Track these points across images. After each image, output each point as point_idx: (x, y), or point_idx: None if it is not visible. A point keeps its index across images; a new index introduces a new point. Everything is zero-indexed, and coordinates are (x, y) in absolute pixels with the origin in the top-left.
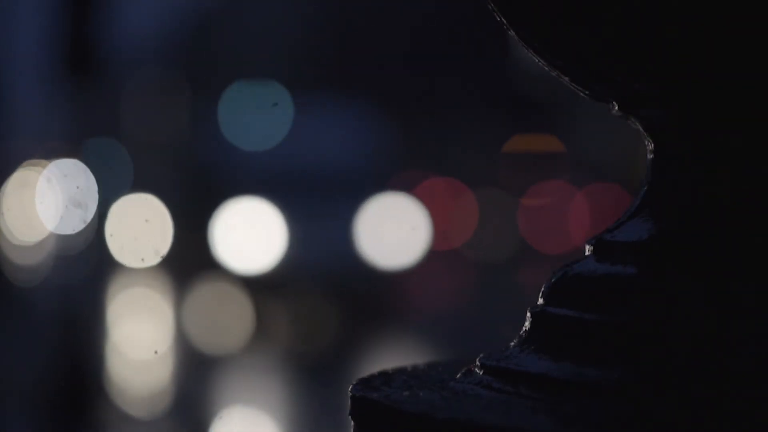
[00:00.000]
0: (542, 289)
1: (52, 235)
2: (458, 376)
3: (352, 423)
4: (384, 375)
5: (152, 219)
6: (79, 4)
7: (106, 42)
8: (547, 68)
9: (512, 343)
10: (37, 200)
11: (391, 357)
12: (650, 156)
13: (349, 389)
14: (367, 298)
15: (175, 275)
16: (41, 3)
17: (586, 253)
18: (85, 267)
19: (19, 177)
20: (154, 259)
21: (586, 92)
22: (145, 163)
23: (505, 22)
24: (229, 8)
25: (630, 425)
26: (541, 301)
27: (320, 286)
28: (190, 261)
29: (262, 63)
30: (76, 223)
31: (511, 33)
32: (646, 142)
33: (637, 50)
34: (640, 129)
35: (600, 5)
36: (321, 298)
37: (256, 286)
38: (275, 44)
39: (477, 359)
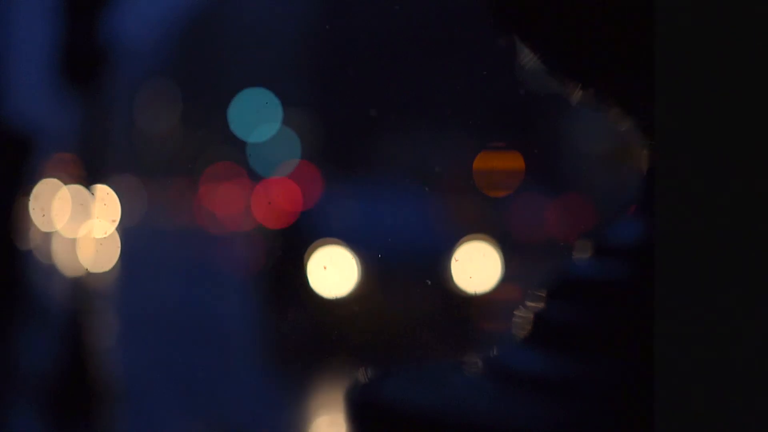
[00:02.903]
0: (540, 288)
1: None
2: (458, 376)
3: (352, 423)
4: (384, 375)
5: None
6: (81, 15)
7: (112, 52)
8: (545, 68)
9: (510, 344)
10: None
11: None
12: (648, 157)
13: (348, 388)
14: None
15: None
16: (44, 11)
17: (585, 252)
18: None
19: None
20: None
21: (585, 93)
22: None
23: (505, 23)
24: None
25: (629, 425)
26: (539, 301)
27: None
28: None
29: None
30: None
31: (511, 33)
32: (644, 143)
33: (636, 51)
34: (638, 130)
35: (600, 6)
36: None
37: None
38: None
39: (476, 359)
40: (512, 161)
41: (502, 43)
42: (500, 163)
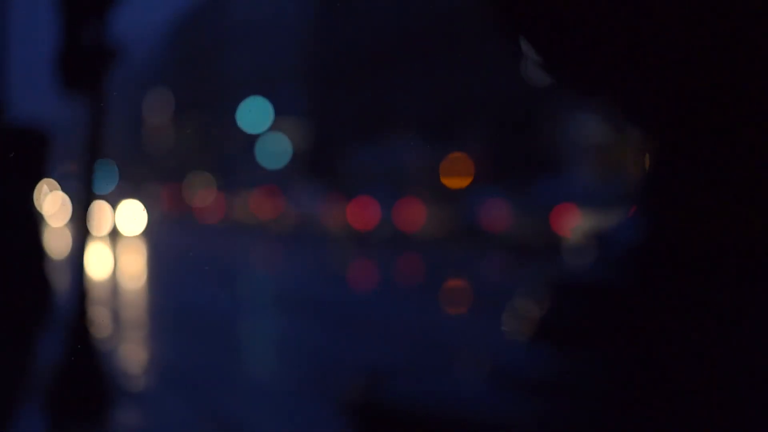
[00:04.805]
0: (538, 290)
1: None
2: (458, 376)
3: (352, 423)
4: (384, 375)
5: None
6: (83, 19)
7: (114, 56)
8: (553, 78)
9: (510, 344)
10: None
11: None
12: (648, 161)
13: (349, 389)
14: None
15: None
16: (45, 13)
17: (584, 253)
18: None
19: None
20: None
21: (589, 99)
22: None
23: (516, 37)
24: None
25: (627, 425)
26: (538, 302)
27: None
28: None
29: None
30: None
31: (523, 46)
32: (645, 148)
33: (640, 60)
34: (640, 135)
35: (606, 21)
36: None
37: None
38: None
39: (475, 360)
40: (468, 159)
41: (500, 45)
42: (464, 159)
